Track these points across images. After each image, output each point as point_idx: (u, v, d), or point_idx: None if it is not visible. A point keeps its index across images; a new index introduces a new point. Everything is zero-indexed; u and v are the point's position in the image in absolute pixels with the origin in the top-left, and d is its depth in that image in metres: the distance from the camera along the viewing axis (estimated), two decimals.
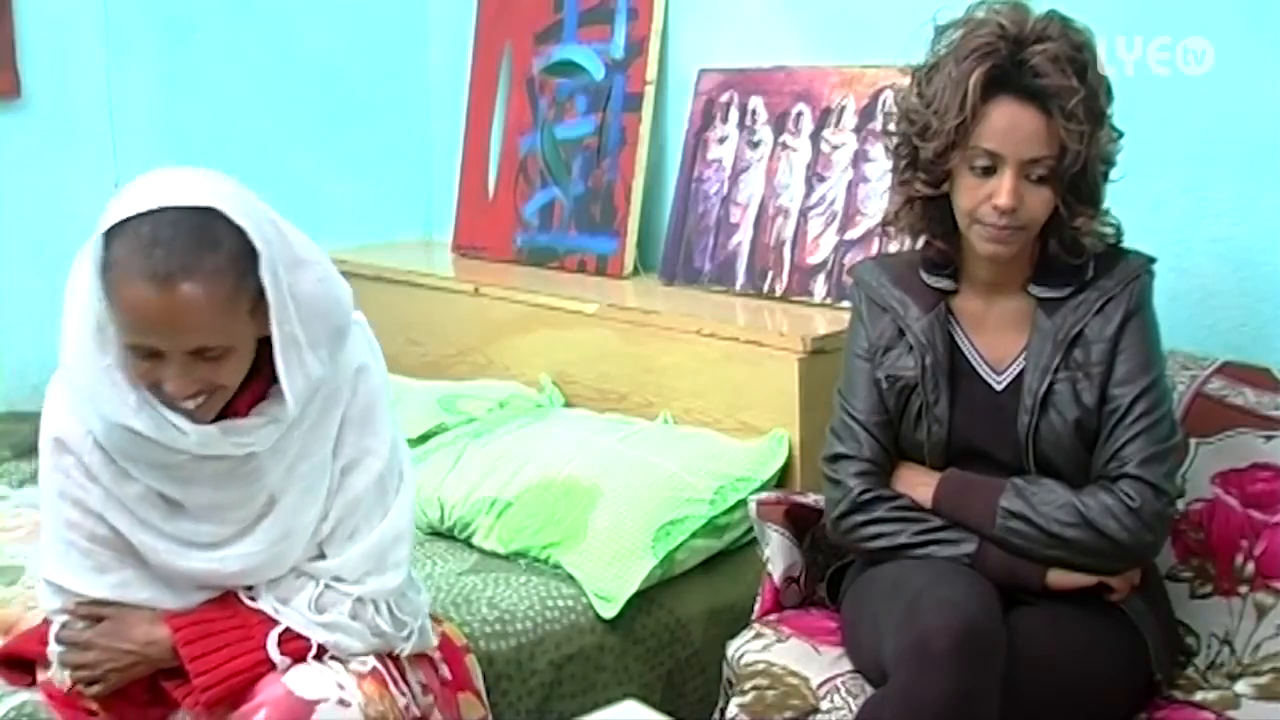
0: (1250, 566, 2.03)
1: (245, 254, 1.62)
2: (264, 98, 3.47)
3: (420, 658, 1.88)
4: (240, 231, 1.62)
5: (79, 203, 3.25)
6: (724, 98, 2.98)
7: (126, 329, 1.61)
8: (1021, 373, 1.97)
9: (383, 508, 1.82)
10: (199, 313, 1.59)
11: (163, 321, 1.59)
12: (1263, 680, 1.94)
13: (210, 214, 1.62)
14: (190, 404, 1.65)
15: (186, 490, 1.73)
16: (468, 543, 2.53)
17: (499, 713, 2.13)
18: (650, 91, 3.11)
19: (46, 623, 1.87)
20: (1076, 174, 1.89)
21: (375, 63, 3.65)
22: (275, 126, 3.45)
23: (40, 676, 1.85)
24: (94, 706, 1.77)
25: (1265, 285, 2.27)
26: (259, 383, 1.72)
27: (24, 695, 1.87)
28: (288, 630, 1.75)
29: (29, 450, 2.96)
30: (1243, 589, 2.03)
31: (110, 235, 1.61)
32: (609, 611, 2.31)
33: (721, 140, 2.97)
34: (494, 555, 2.49)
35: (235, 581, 1.78)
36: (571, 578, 2.37)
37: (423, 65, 3.73)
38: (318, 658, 1.75)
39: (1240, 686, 1.94)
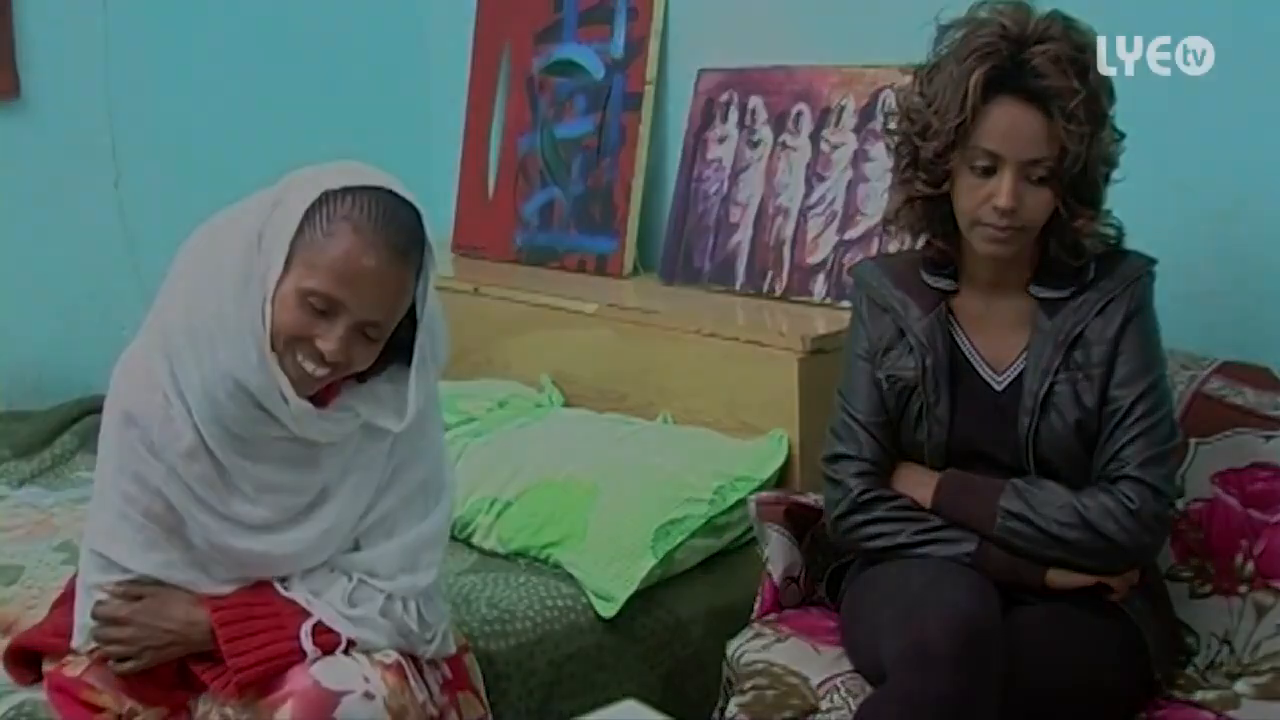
0: (1250, 566, 2.03)
1: (420, 266, 1.75)
2: (263, 98, 3.47)
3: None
4: (425, 245, 1.75)
5: (79, 203, 3.26)
6: (724, 97, 2.98)
7: (326, 277, 1.67)
8: (1022, 373, 1.97)
9: (423, 509, 1.87)
10: (397, 294, 1.72)
11: (370, 285, 1.68)
12: (1262, 680, 1.94)
13: (419, 217, 1.75)
14: (322, 370, 1.71)
15: (250, 467, 1.76)
16: (467, 542, 2.53)
17: (498, 712, 2.13)
18: (650, 91, 3.12)
19: (58, 613, 1.89)
20: (1077, 175, 1.88)
21: (374, 62, 3.65)
22: (275, 126, 3.45)
23: (46, 667, 1.86)
24: (100, 701, 1.78)
25: (1265, 285, 2.27)
26: (346, 378, 1.79)
27: (24, 695, 1.88)
28: (319, 623, 1.78)
29: (28, 450, 2.97)
30: (1243, 589, 2.03)
31: (330, 195, 1.69)
32: (609, 611, 2.31)
33: (721, 140, 2.97)
34: (493, 555, 2.49)
35: (280, 567, 1.81)
36: (571, 577, 2.37)
37: (423, 65, 3.73)
38: (345, 651, 1.77)
39: (1240, 686, 1.94)
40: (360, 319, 1.69)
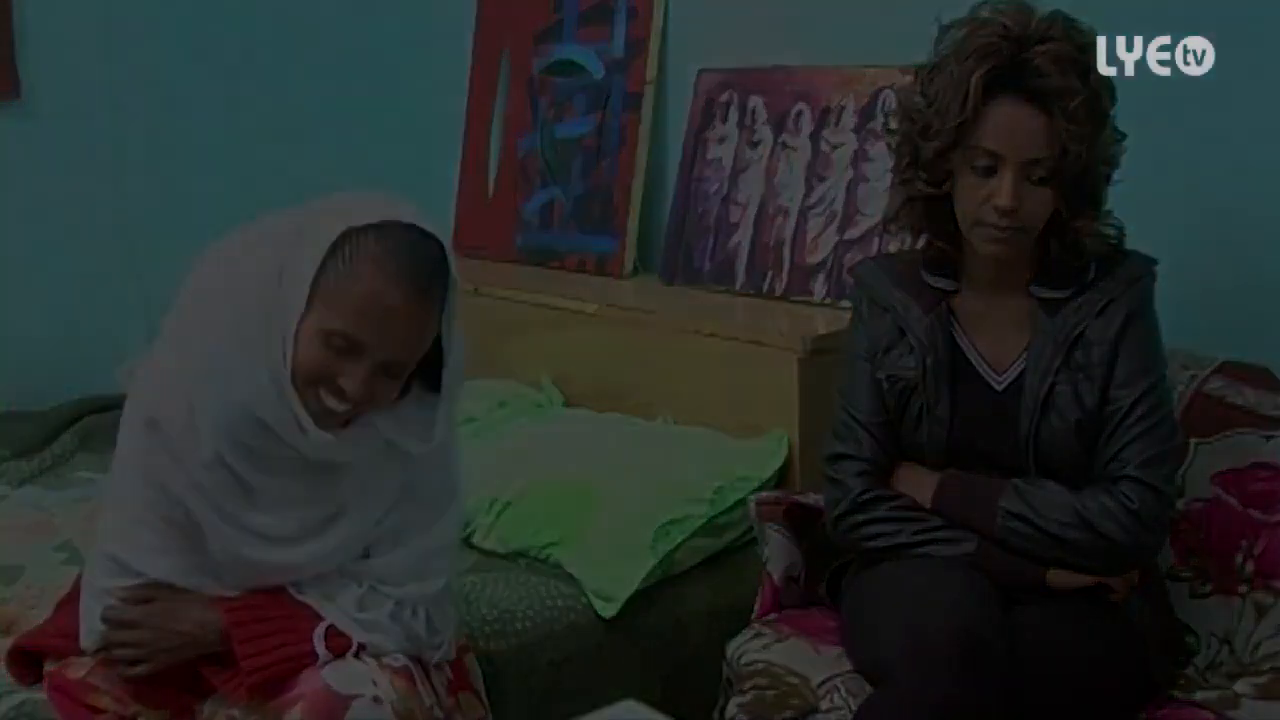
0: (1250, 566, 2.03)
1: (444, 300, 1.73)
2: (263, 98, 3.47)
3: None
4: (449, 279, 1.73)
5: (80, 203, 3.26)
6: (724, 98, 2.98)
7: (349, 317, 1.65)
8: (1022, 373, 1.97)
9: (433, 517, 1.86)
10: (421, 330, 1.70)
11: (393, 325, 1.66)
12: (1262, 680, 1.93)
13: (443, 251, 1.72)
14: (343, 406, 1.69)
15: (268, 481, 1.75)
16: (467, 542, 2.52)
17: (499, 712, 2.12)
18: (650, 91, 3.12)
19: (62, 614, 1.89)
20: (1078, 175, 1.88)
21: (374, 63, 3.65)
22: (274, 127, 3.45)
23: (48, 667, 1.85)
24: (101, 704, 1.78)
25: (1265, 285, 2.27)
26: None
27: (24, 694, 1.87)
28: (331, 626, 1.77)
29: (28, 450, 2.96)
30: (1243, 589, 2.03)
31: (353, 233, 1.67)
32: (609, 611, 2.31)
33: (721, 140, 2.97)
34: (493, 555, 2.49)
35: (292, 575, 1.80)
36: (571, 577, 2.37)
37: (423, 65, 3.73)
38: (356, 655, 1.77)
39: (1240, 686, 1.93)
40: (383, 359, 1.68)
